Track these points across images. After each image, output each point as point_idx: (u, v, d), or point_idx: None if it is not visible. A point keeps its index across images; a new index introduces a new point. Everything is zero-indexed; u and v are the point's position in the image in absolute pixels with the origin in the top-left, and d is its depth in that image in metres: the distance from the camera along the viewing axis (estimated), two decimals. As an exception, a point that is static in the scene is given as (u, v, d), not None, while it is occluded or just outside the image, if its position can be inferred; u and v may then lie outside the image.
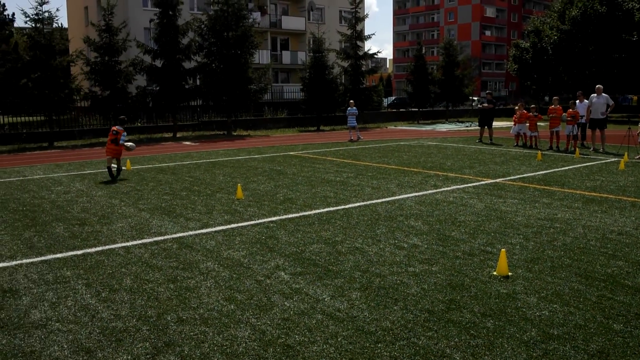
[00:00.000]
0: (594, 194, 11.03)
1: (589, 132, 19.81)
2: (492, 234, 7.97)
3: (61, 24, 52.68)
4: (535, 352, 4.43)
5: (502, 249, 6.40)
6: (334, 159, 17.49)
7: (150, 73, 28.83)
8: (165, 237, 8.06)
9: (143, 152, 21.06)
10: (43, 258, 7.09)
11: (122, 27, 27.31)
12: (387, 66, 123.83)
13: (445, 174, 13.93)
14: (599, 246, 7.33)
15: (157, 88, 28.93)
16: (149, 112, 30.49)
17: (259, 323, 5.02)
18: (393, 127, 35.91)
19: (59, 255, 7.19)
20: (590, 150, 19.20)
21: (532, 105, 21.47)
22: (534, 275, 6.20)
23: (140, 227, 8.65)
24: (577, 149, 18.51)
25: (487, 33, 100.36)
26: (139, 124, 30.47)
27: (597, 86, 19.27)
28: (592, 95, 19.12)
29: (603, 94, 18.90)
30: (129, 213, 9.72)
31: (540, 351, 4.44)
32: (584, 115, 19.25)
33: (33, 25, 25.02)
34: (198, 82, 31.09)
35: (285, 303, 5.48)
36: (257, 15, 45.14)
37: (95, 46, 26.59)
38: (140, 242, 7.82)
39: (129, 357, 4.42)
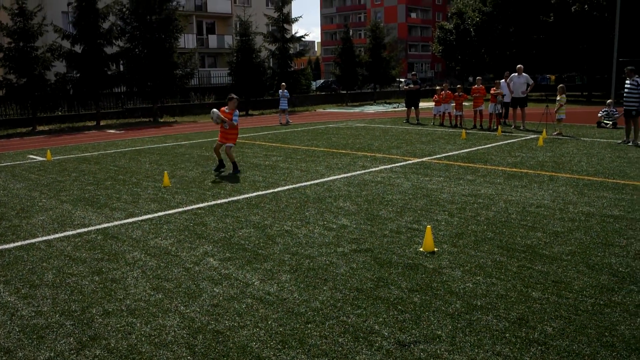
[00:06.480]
0: (515, 170, 11.46)
1: (510, 110, 20.51)
2: (419, 212, 8.15)
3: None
4: (460, 323, 4.58)
5: (428, 226, 6.56)
6: (263, 143, 17.39)
7: (70, 59, 27.64)
8: (89, 228, 7.81)
9: (65, 141, 20.26)
10: (-44, 256, 6.72)
11: (38, 10, 26.02)
12: (316, 49, 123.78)
13: (373, 154, 14.12)
14: (519, 219, 7.63)
15: (78, 75, 27.81)
16: (70, 100, 29.26)
17: (187, 311, 4.95)
18: (322, 110, 36.03)
19: (-27, 252, 6.83)
20: (512, 127, 19.90)
21: (458, 86, 22.03)
22: (458, 250, 6.39)
23: (62, 220, 8.34)
24: (500, 127, 19.15)
25: (413, 15, 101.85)
26: (60, 113, 29.25)
27: (517, 66, 19.93)
28: (513, 74, 19.78)
29: (523, 74, 19.58)
30: (50, 205, 9.34)
31: (464, 322, 4.59)
32: (505, 95, 19.87)
33: (-62, 9, 23.49)
34: (121, 67, 30.11)
35: (215, 289, 5.42)
36: (181, -2, 44.02)
37: (8, 31, 25.19)
38: (62, 235, 7.53)
39: (52, 354, 4.26)
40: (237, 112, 12.06)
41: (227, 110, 11.97)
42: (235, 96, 12.17)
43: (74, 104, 29.87)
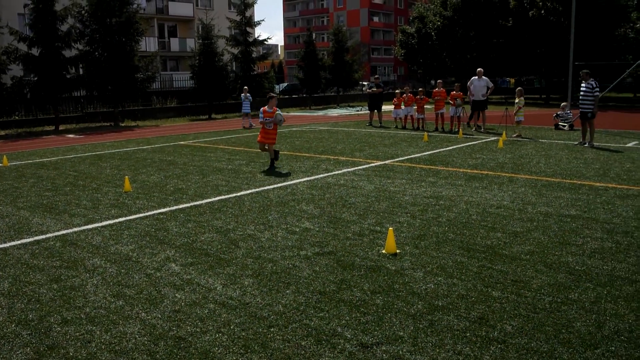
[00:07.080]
0: (476, 172, 11.65)
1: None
2: (381, 214, 8.21)
3: None
4: (421, 323, 4.63)
5: (390, 228, 6.61)
6: (226, 147, 17.28)
7: (27, 62, 27.02)
8: (47, 235, 7.63)
9: (22, 147, 19.79)
10: None
11: (-8, 13, 25.42)
12: (279, 52, 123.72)
13: (337, 157, 14.17)
14: (479, 220, 7.76)
15: (35, 78, 27.20)
16: (27, 104, 28.62)
17: (149, 317, 4.89)
18: (285, 114, 35.94)
19: None
20: (472, 130, 20.22)
21: (420, 89, 22.28)
22: (420, 251, 6.46)
23: (19, 227, 8.13)
24: (461, 130, 19.44)
25: (375, 19, 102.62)
26: (16, 117, 28.55)
27: (477, 69, 20.27)
28: (473, 77, 20.10)
29: (483, 77, 19.92)
30: (6, 212, 9.10)
31: (426, 322, 4.64)
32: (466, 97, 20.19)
33: None
34: (81, 71, 29.57)
35: (176, 295, 5.36)
36: (142, 0, 43.51)
37: (-39, 34, 24.55)
38: (19, 242, 7.35)
39: (7, 364, 4.16)
40: (278, 110, 12.69)
41: (269, 110, 12.62)
42: (274, 95, 13.07)
43: (32, 108, 29.24)
